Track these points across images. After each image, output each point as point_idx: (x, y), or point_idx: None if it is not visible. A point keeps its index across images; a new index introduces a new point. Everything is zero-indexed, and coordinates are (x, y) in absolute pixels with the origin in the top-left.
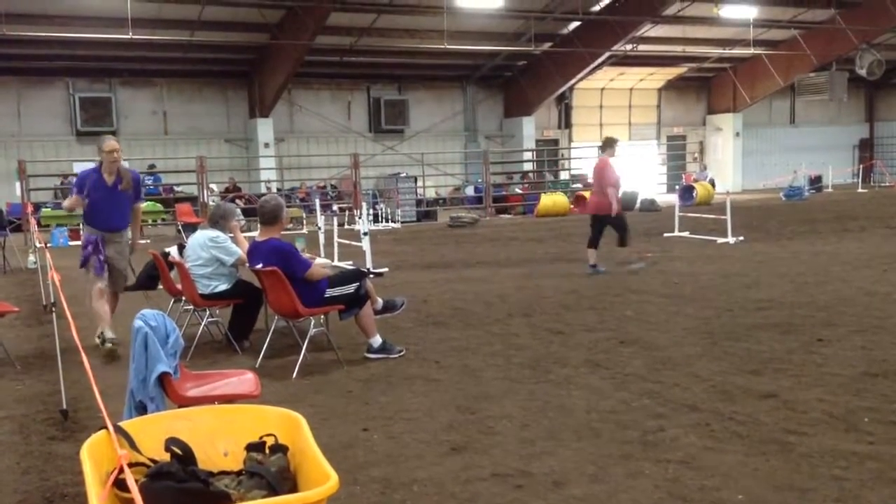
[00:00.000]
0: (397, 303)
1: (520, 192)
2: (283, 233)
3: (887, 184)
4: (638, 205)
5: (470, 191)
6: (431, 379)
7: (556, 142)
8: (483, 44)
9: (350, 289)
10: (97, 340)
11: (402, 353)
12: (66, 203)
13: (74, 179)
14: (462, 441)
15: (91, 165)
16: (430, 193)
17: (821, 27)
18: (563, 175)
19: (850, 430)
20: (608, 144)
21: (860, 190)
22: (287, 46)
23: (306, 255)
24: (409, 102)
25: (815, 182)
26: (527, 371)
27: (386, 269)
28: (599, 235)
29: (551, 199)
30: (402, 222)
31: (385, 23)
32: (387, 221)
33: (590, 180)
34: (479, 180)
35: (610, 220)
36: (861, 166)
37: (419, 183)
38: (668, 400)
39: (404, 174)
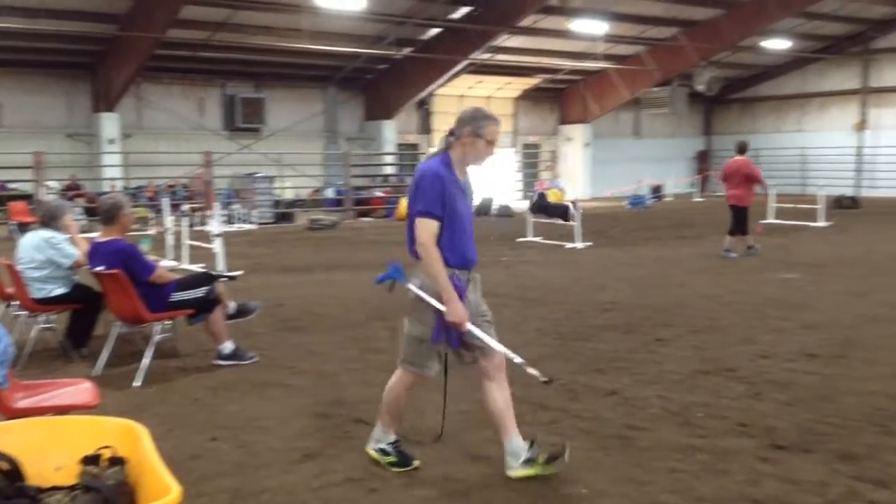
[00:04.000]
0: (251, 307)
1: (381, 195)
2: (127, 234)
3: (721, 193)
4: (493, 210)
5: (330, 193)
6: (285, 385)
7: (415, 146)
8: (344, 45)
9: (199, 293)
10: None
11: (254, 360)
12: (428, 241)
13: (424, 186)
14: (316, 447)
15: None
16: (289, 195)
17: (664, 44)
18: None
19: (685, 424)
20: (747, 147)
21: (697, 199)
22: (136, 38)
23: (151, 258)
24: (266, 101)
25: (657, 191)
26: (385, 375)
27: (241, 273)
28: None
29: None
30: (258, 224)
31: (242, 19)
32: (242, 223)
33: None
34: (341, 182)
35: (742, 211)
36: (698, 177)
37: (277, 184)
38: (519, 399)
39: (261, 174)
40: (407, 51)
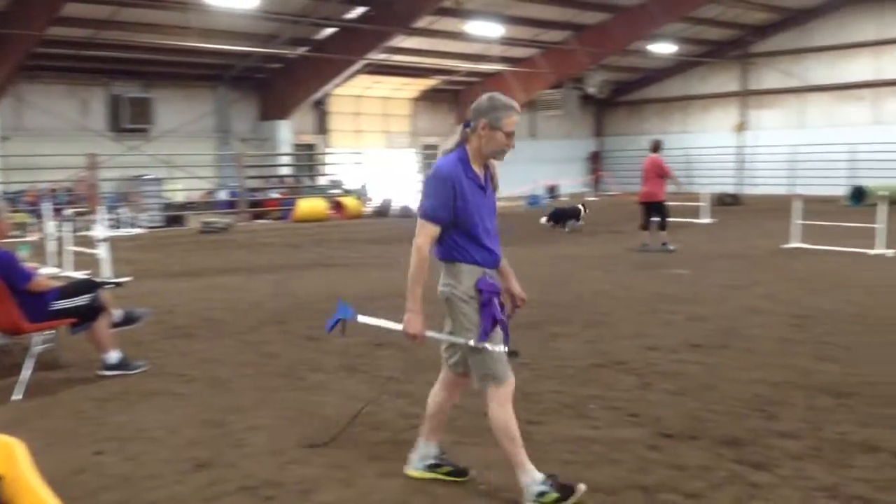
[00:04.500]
0: (138, 314)
1: (277, 196)
2: (4, 240)
3: (612, 193)
4: (393, 211)
5: (223, 195)
6: (175, 394)
7: (312, 146)
8: (235, 44)
9: (82, 300)
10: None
11: (142, 369)
12: (422, 245)
13: (431, 187)
14: (208, 457)
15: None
16: (180, 197)
17: (557, 48)
18: (321, 180)
19: (579, 416)
20: (660, 146)
21: (590, 199)
22: (13, 36)
23: (29, 265)
24: (154, 101)
25: (552, 191)
26: (280, 379)
27: (128, 279)
28: (649, 220)
29: (309, 205)
30: (147, 228)
31: (127, 16)
32: (130, 227)
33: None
34: (234, 184)
35: (658, 207)
36: (591, 177)
37: (167, 186)
38: (419, 399)
39: (150, 176)
40: (301, 50)
